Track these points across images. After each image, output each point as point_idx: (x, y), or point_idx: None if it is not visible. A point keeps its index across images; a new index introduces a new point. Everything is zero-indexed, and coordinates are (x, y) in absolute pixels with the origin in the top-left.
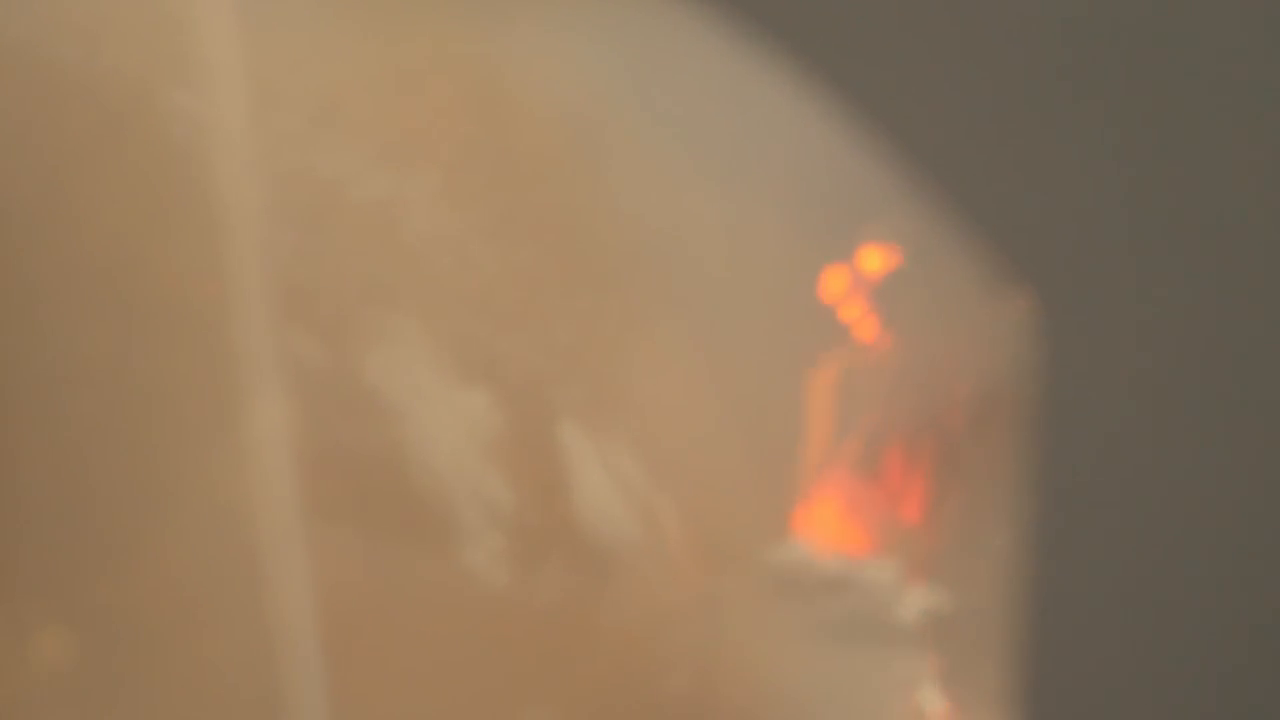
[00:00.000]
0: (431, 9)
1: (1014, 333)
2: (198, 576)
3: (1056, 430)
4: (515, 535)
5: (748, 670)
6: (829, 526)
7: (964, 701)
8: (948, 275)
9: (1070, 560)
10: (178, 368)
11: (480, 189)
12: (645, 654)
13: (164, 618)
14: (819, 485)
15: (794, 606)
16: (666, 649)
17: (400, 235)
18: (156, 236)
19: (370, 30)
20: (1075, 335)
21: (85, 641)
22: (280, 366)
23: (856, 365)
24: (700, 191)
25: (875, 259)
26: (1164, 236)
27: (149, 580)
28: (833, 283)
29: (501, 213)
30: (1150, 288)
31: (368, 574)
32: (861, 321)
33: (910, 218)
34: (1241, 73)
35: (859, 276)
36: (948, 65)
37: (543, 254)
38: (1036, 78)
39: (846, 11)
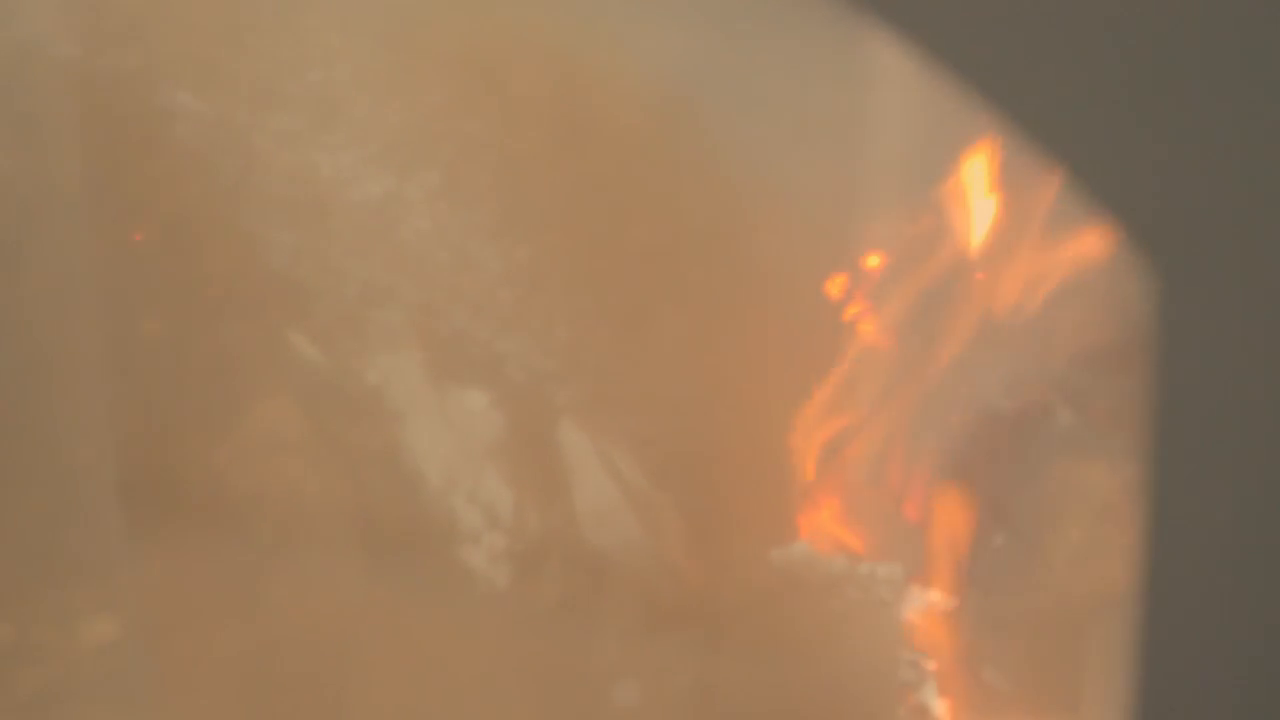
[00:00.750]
0: None
1: (1132, 302)
2: (220, 566)
3: (1170, 399)
4: (515, 535)
5: (749, 670)
6: (830, 526)
7: (967, 701)
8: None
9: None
10: (188, 366)
11: (571, 174)
12: (646, 654)
13: (200, 603)
14: (821, 485)
15: (796, 606)
16: (668, 649)
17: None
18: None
19: (453, 16)
20: (1193, 307)
21: (127, 625)
22: (283, 366)
23: (859, 364)
24: (789, 166)
25: (876, 258)
26: None
27: (184, 569)
28: (839, 281)
29: (587, 197)
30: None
31: (369, 574)
32: (864, 320)
33: (1015, 192)
34: None
35: (863, 274)
36: (1059, 31)
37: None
38: (1154, 43)
39: None
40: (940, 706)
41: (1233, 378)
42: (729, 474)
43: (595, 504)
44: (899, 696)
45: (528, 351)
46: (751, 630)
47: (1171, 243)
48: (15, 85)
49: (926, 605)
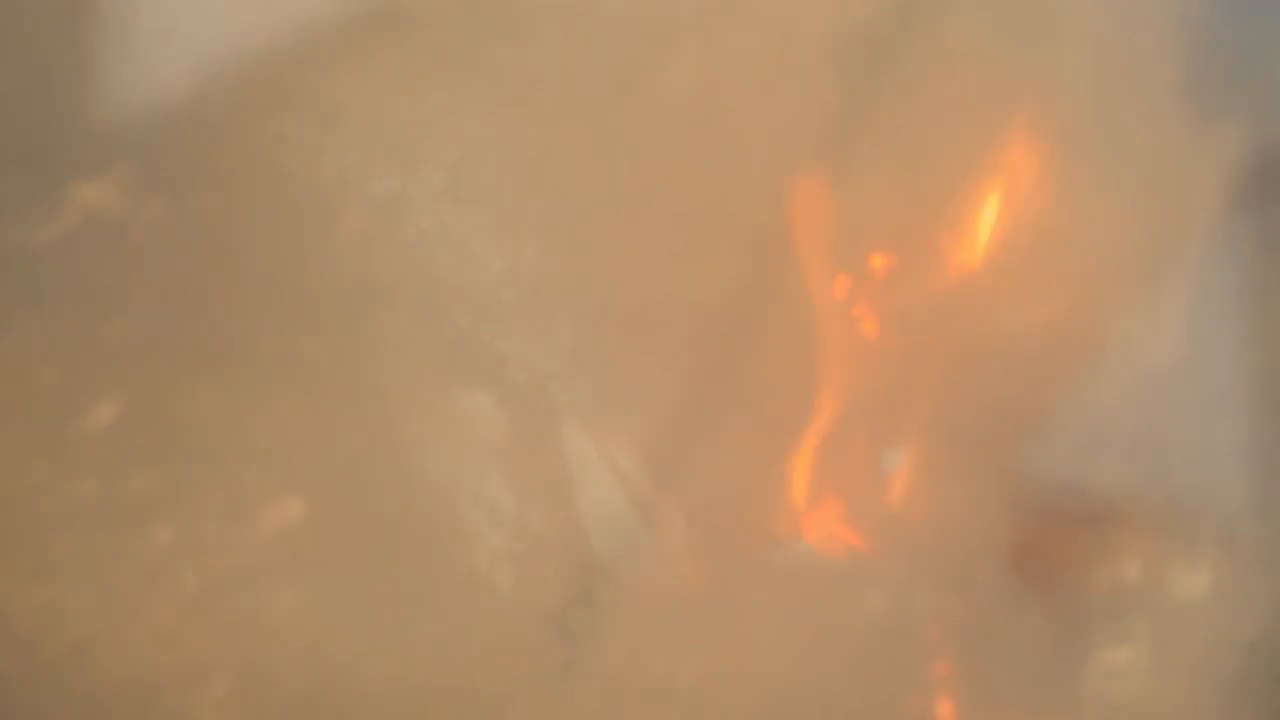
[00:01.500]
0: None
1: None
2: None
3: None
4: (517, 536)
5: (754, 670)
6: (833, 526)
7: (969, 701)
8: None
9: None
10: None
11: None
12: (650, 654)
13: (380, 487)
14: (824, 485)
15: (800, 606)
16: (671, 649)
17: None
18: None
19: None
20: None
21: (311, 507)
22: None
23: (861, 364)
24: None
25: (882, 259)
26: None
27: (366, 453)
28: (842, 282)
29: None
30: None
31: (374, 573)
32: (868, 320)
33: None
34: None
35: (868, 275)
36: None
37: None
38: None
39: None
40: (943, 707)
41: None
42: (732, 474)
43: (598, 504)
44: (902, 696)
45: (531, 351)
46: (754, 630)
47: None
48: None
49: (929, 605)
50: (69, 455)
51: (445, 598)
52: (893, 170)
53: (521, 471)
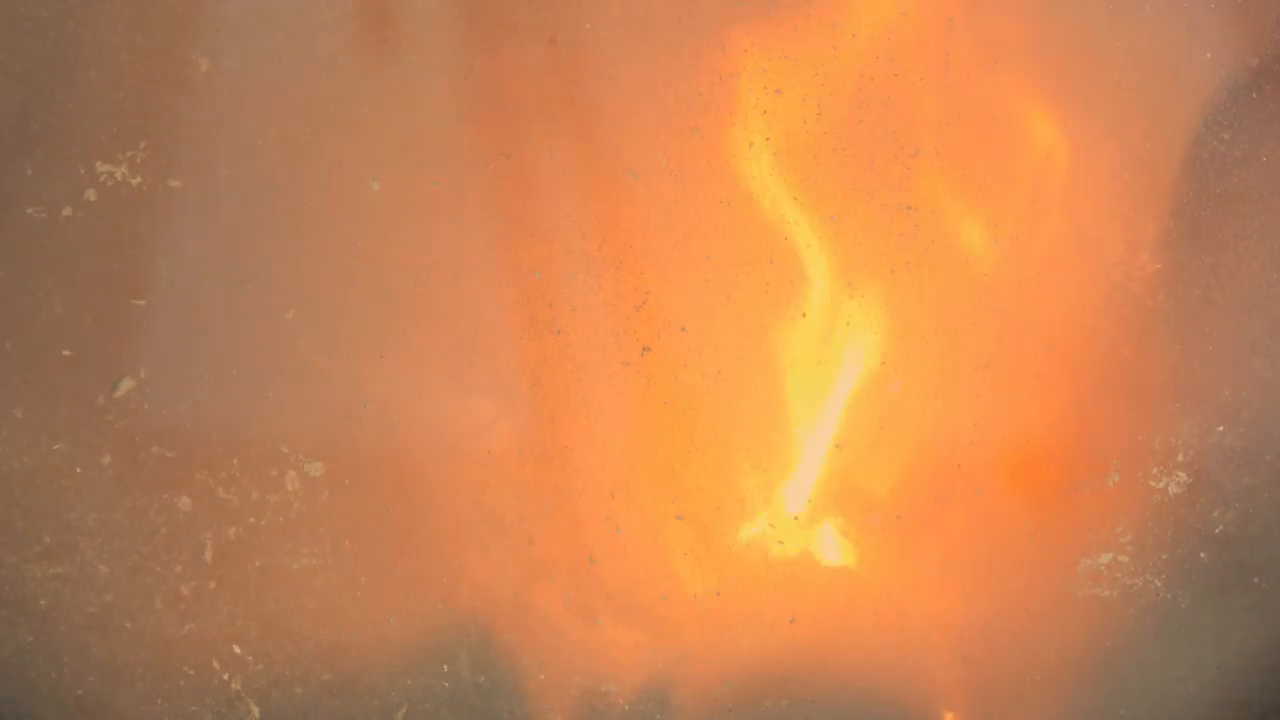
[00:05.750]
0: None
1: None
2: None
3: None
4: (520, 540)
5: (757, 673)
6: (834, 531)
7: (969, 702)
8: None
9: None
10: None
11: None
12: (653, 657)
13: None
14: (825, 491)
15: (801, 611)
16: (674, 653)
17: None
18: None
19: None
20: None
21: (331, 470)
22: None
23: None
24: None
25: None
26: None
27: (377, 424)
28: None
29: None
30: None
31: (376, 577)
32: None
33: None
34: None
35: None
36: None
37: None
38: None
39: None
40: (943, 709)
41: None
42: (733, 479)
43: (600, 507)
44: (904, 697)
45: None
46: (756, 635)
47: None
48: None
49: (930, 609)
50: (89, 429)
51: (452, 551)
52: None
53: (525, 479)
